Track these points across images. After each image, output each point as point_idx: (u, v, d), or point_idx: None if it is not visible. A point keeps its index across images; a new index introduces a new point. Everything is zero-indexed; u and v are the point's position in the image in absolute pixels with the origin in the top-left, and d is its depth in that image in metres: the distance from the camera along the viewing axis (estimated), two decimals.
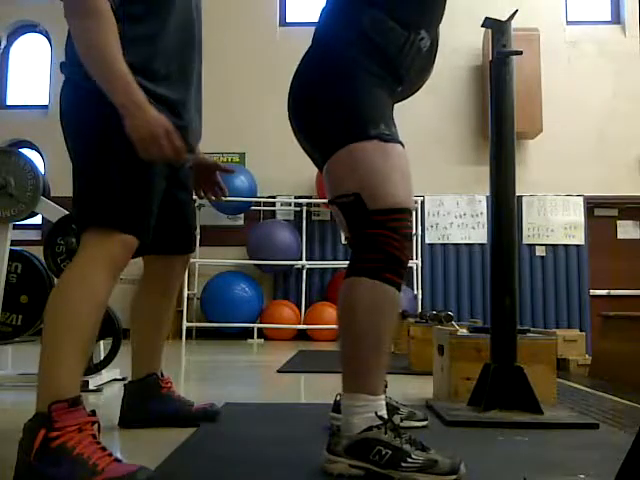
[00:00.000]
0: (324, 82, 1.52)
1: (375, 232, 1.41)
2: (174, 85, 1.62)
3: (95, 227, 1.47)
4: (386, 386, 1.57)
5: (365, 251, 1.42)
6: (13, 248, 2.87)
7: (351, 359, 1.43)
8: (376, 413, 1.39)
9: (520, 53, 2.24)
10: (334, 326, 6.39)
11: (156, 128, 1.42)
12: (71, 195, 1.54)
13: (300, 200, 6.84)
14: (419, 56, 1.57)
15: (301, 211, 6.91)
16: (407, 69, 1.56)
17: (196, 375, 3.67)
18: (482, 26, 2.30)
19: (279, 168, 6.77)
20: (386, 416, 1.40)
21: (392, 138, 1.47)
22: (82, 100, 1.53)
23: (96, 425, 1.36)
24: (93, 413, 1.37)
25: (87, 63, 1.44)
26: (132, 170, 1.50)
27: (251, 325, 6.34)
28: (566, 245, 6.88)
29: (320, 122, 1.51)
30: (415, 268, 6.60)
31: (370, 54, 1.51)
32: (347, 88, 1.49)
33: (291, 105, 1.58)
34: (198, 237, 6.75)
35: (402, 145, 1.49)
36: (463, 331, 2.50)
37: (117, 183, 1.49)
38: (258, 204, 6.87)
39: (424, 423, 1.96)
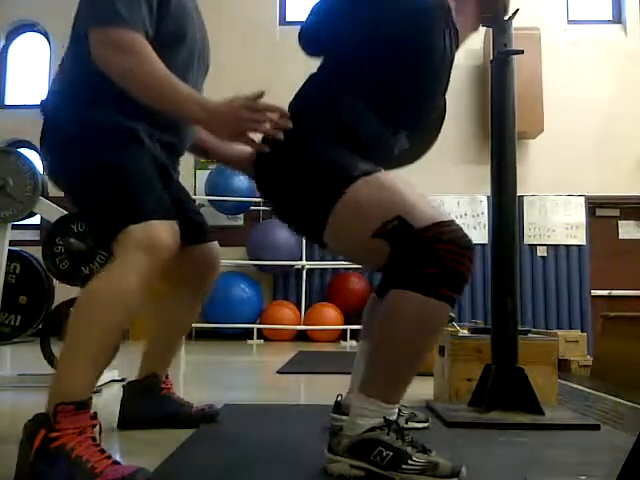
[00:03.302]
0: (290, 160, 1.47)
1: (435, 247, 1.32)
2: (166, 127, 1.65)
3: (125, 228, 1.44)
4: None
5: (423, 265, 1.33)
6: (12, 248, 2.87)
7: (382, 369, 1.39)
8: (385, 418, 1.37)
9: (521, 52, 2.23)
10: (334, 327, 6.39)
11: (234, 118, 1.41)
12: None
13: None
14: (396, 148, 1.54)
15: None
16: (377, 160, 1.51)
17: (195, 376, 3.66)
18: (482, 25, 2.28)
19: None
20: (394, 419, 1.39)
21: (374, 169, 1.43)
22: (67, 140, 1.56)
23: (97, 427, 1.35)
24: (94, 415, 1.37)
25: (144, 100, 1.47)
26: (133, 174, 1.52)
27: (251, 326, 6.32)
28: (567, 245, 6.87)
29: (303, 194, 1.46)
30: None
31: (340, 140, 1.47)
32: (313, 153, 1.45)
33: (265, 196, 1.55)
34: None
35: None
36: (464, 332, 2.50)
37: (125, 185, 1.50)
38: (258, 204, 6.85)
39: (425, 424, 1.95)
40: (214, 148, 1.87)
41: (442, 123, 1.75)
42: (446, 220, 1.36)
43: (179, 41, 1.64)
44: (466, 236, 1.37)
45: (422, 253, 1.32)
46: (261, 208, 6.94)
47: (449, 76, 1.63)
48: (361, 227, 1.39)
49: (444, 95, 1.68)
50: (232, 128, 1.43)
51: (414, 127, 1.60)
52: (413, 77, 1.53)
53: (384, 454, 1.35)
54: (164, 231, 1.46)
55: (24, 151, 3.94)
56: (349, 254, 1.56)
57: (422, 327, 1.35)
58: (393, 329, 1.37)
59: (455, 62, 1.61)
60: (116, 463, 1.30)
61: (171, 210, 1.55)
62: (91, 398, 1.36)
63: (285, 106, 1.57)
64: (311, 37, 1.63)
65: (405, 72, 1.52)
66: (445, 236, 1.33)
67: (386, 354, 1.39)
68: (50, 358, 2.71)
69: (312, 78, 1.60)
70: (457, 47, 1.64)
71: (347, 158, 1.45)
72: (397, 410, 1.41)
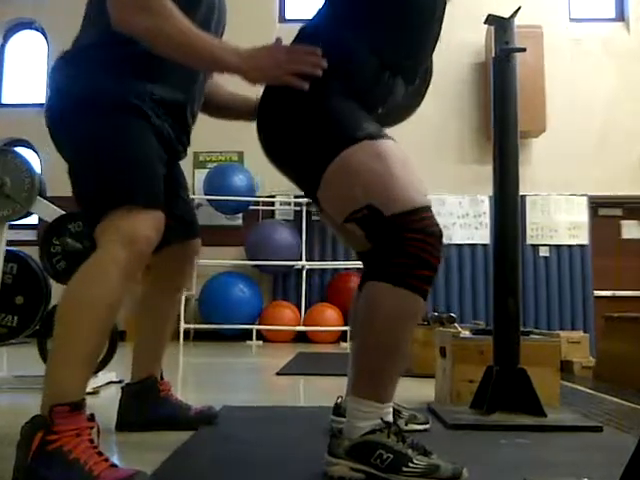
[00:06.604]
0: (294, 108, 1.44)
1: (403, 236, 1.31)
2: (175, 86, 1.64)
3: (112, 211, 1.42)
4: None
5: (392, 255, 1.32)
6: (9, 248, 2.85)
7: (365, 366, 1.40)
8: (382, 419, 1.37)
9: (523, 50, 2.22)
10: (334, 328, 6.37)
11: (273, 61, 1.40)
12: (66, 195, 1.53)
13: (300, 200, 6.80)
14: (391, 97, 1.52)
15: (301, 211, 6.88)
16: (374, 104, 1.50)
17: (194, 378, 3.65)
18: (485, 23, 2.28)
19: None
20: (391, 420, 1.39)
21: (381, 135, 1.41)
22: (73, 106, 1.54)
23: (95, 429, 1.35)
24: (92, 417, 1.36)
25: (177, 58, 1.45)
26: (133, 155, 1.51)
27: (250, 327, 6.31)
28: (570, 245, 6.86)
29: (304, 144, 1.43)
30: None
31: (338, 77, 1.43)
32: (319, 105, 1.42)
33: (265, 141, 1.51)
34: None
35: (393, 140, 1.43)
36: (465, 333, 2.49)
37: (122, 165, 1.49)
38: (257, 204, 6.84)
39: (426, 426, 1.94)
40: (221, 102, 1.96)
41: (427, 87, 1.71)
42: (419, 207, 1.34)
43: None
44: (436, 225, 1.35)
45: (392, 241, 1.32)
46: (260, 208, 6.93)
47: (441, 21, 1.58)
48: (340, 201, 1.39)
49: (434, 47, 1.63)
50: (271, 71, 1.40)
51: (409, 72, 1.56)
52: (408, 16, 1.50)
53: (384, 457, 1.34)
54: (145, 221, 1.43)
55: (21, 150, 3.92)
56: (334, 224, 1.53)
57: (395, 318, 1.35)
58: (370, 322, 1.37)
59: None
60: (114, 466, 1.29)
61: (158, 198, 1.51)
62: (84, 399, 1.35)
63: None
64: None
65: (399, 12, 1.49)
66: (414, 225, 1.32)
67: (367, 352, 1.39)
68: (47, 359, 2.70)
69: (312, 19, 1.57)
70: None
71: (354, 114, 1.42)
72: (391, 409, 1.40)
